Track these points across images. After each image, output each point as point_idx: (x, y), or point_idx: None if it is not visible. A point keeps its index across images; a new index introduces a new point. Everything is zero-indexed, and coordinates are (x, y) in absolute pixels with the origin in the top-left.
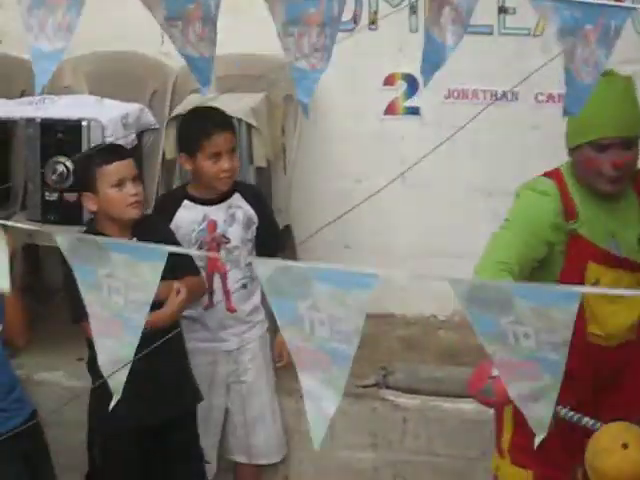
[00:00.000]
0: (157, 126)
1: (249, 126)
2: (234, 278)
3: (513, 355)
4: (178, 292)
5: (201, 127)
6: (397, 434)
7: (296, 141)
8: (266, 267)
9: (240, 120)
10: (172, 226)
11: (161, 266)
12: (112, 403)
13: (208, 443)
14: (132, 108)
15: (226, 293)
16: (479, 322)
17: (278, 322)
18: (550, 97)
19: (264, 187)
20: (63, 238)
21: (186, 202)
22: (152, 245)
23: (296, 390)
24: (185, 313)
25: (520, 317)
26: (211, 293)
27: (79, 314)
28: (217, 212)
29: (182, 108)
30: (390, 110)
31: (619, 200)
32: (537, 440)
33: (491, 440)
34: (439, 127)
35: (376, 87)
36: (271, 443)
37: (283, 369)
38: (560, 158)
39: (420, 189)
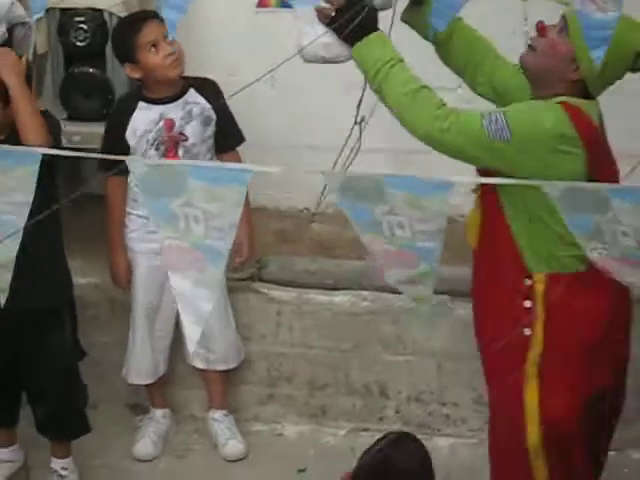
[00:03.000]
0: (28, 20)
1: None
2: None
3: (389, 245)
4: None
5: (128, 28)
6: (271, 327)
7: None
8: (140, 165)
9: (111, 13)
10: (129, 128)
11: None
12: None
13: (158, 345)
14: (2, 1)
15: None
16: (353, 213)
17: (152, 221)
18: None
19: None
20: None
21: (141, 104)
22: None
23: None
24: (140, 212)
25: (394, 207)
26: None
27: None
28: (173, 110)
29: (54, 1)
30: (263, 3)
31: None
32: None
33: (364, 332)
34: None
35: None
36: (229, 348)
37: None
38: (429, 50)
39: (291, 84)
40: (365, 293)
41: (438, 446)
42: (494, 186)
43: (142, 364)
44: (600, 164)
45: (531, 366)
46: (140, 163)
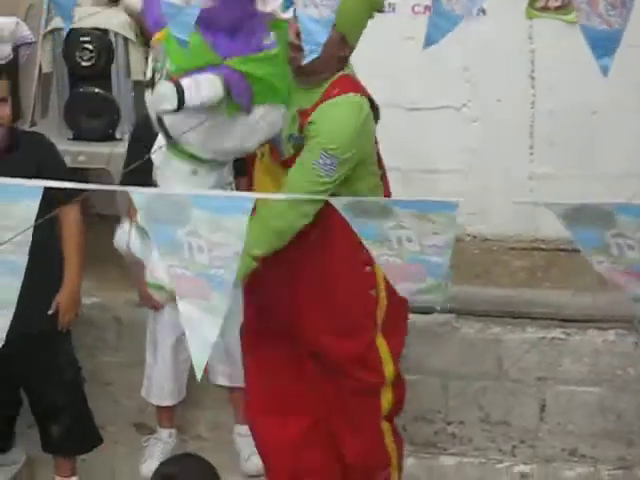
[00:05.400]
0: (33, 40)
1: (126, 39)
2: None
3: (397, 258)
4: None
5: None
6: None
7: None
8: (142, 196)
9: (117, 34)
10: (155, 145)
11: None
12: None
13: (181, 368)
14: (7, 22)
15: None
16: (363, 229)
17: (158, 250)
18: (427, 8)
19: (141, 101)
20: None
21: None
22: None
23: None
24: None
25: (402, 222)
26: None
27: None
28: None
29: (58, 22)
30: None
31: None
32: None
33: None
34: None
35: None
36: None
37: None
38: (435, 69)
39: None
40: None
41: (445, 465)
42: None
43: (165, 386)
44: None
45: (379, 319)
46: (147, 192)
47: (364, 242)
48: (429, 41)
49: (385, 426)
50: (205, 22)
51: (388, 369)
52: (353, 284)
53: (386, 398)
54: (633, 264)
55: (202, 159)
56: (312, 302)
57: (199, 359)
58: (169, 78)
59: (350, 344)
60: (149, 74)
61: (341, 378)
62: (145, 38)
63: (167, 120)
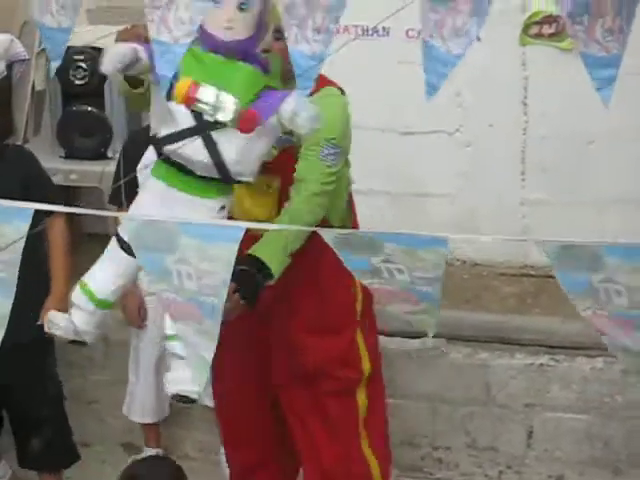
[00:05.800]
0: (27, 57)
1: None
2: None
3: (389, 286)
4: None
5: None
6: None
7: None
8: (131, 222)
9: None
10: (140, 163)
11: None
12: None
13: (162, 385)
14: (1, 39)
15: None
16: (351, 262)
17: (147, 277)
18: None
19: (135, 122)
20: None
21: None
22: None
23: None
24: None
25: (391, 257)
26: None
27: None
28: None
29: None
30: None
31: None
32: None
33: None
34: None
35: None
36: None
37: None
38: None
39: None
40: None
41: None
42: None
43: (147, 403)
44: None
45: (359, 315)
46: (136, 219)
47: (354, 274)
48: (430, 89)
49: (362, 431)
50: (242, 51)
51: (365, 366)
52: (335, 282)
53: (360, 397)
54: (621, 311)
55: (229, 192)
56: (295, 303)
57: (200, 376)
58: (238, 114)
59: (333, 342)
60: (187, 123)
61: (321, 380)
62: None
63: (230, 159)
